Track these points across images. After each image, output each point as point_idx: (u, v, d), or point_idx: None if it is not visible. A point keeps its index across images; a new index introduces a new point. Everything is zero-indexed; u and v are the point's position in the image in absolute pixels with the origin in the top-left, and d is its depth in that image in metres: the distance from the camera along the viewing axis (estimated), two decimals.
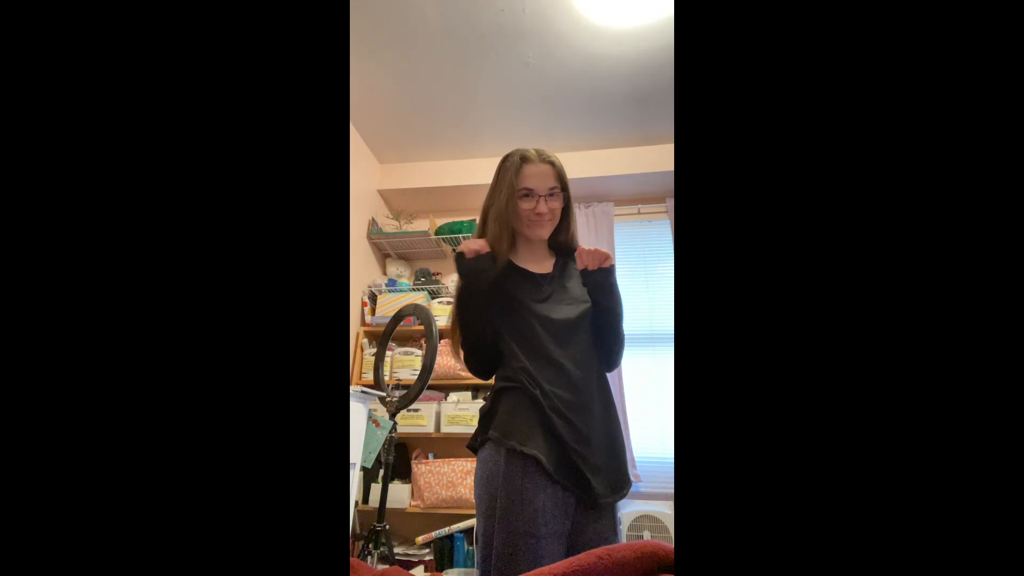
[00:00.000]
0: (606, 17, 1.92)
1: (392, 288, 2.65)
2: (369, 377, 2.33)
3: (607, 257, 1.04)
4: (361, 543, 1.91)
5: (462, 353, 1.11)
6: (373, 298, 2.67)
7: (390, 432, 1.92)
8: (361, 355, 2.54)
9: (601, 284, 1.05)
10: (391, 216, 2.83)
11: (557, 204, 1.10)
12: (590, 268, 1.04)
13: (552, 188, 1.08)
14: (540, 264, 1.13)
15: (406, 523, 2.39)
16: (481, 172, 2.76)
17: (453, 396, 2.47)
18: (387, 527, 1.84)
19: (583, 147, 2.71)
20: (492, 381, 1.10)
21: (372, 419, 1.97)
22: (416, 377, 2.13)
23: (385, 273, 2.91)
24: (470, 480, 2.25)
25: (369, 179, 2.80)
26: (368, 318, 2.61)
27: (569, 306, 1.06)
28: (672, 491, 2.29)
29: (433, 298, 2.64)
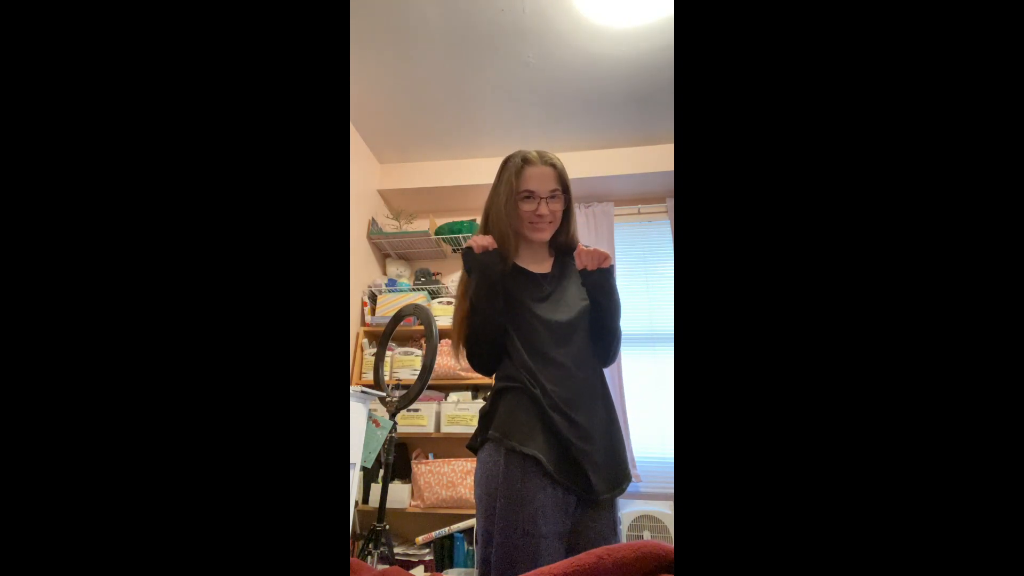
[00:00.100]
0: (606, 17, 1.92)
1: (392, 288, 2.65)
2: (369, 377, 2.33)
3: (606, 257, 1.04)
4: (361, 543, 1.91)
5: (465, 349, 1.10)
6: (373, 298, 2.67)
7: (390, 432, 1.92)
8: (361, 355, 2.54)
9: (600, 284, 1.05)
10: (391, 216, 2.84)
11: (558, 206, 1.10)
12: (589, 268, 1.04)
13: (553, 190, 1.08)
14: (540, 264, 1.14)
15: (406, 523, 2.39)
16: (481, 172, 2.75)
17: (453, 396, 2.47)
18: (387, 527, 1.84)
19: (583, 147, 2.71)
20: (492, 381, 1.10)
21: (372, 419, 1.97)
22: (416, 377, 2.13)
23: (385, 273, 2.91)
24: (470, 480, 2.25)
25: (369, 179, 2.80)
26: (368, 318, 2.61)
27: (569, 306, 1.06)
28: (672, 491, 2.29)
29: (433, 298, 2.64)
